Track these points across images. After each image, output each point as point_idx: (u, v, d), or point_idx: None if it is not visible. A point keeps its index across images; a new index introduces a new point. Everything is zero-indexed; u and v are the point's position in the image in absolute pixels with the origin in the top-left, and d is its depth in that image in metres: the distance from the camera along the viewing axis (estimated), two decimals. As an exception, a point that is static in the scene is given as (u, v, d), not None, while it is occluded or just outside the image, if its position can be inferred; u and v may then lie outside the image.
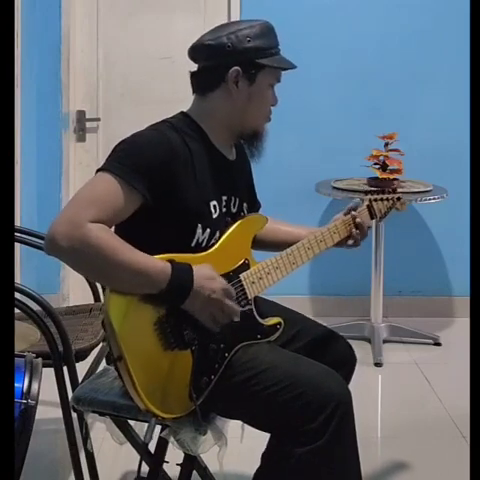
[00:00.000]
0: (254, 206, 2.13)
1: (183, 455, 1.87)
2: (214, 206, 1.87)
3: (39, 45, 3.96)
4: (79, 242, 1.62)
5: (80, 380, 2.26)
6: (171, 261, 1.71)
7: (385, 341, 3.78)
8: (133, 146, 1.77)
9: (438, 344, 3.83)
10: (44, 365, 1.78)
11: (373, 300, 3.83)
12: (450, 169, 4.10)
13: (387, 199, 2.17)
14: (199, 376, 1.77)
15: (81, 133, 4.15)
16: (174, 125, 1.85)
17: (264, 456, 1.82)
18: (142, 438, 1.95)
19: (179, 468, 1.90)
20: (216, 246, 1.86)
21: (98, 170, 1.76)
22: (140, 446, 2.03)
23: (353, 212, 2.08)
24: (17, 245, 3.07)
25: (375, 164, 3.66)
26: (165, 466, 1.99)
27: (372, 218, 2.14)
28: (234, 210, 1.96)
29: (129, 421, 2.01)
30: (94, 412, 1.93)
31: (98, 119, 4.16)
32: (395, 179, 3.61)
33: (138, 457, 1.93)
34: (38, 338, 2.15)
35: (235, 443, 2.00)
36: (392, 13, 4.09)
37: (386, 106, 4.12)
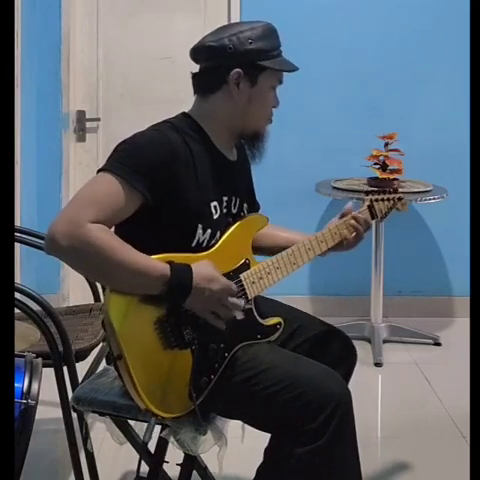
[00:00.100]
0: (253, 207, 2.12)
1: (183, 455, 1.87)
2: (215, 207, 1.87)
3: (39, 45, 3.96)
4: (79, 242, 1.63)
5: (80, 380, 2.26)
6: (170, 262, 1.72)
7: (385, 341, 3.78)
8: (134, 146, 1.77)
9: (438, 344, 3.83)
10: (44, 365, 1.78)
11: (373, 300, 3.83)
12: (450, 169, 4.10)
13: (388, 199, 2.17)
14: (199, 376, 1.77)
15: (81, 133, 4.15)
16: (175, 125, 1.85)
17: (266, 452, 1.81)
18: (142, 438, 1.96)
19: (179, 468, 1.90)
20: (216, 246, 1.86)
21: (99, 170, 1.76)
22: (140, 446, 2.03)
23: (354, 212, 2.07)
24: (17, 245, 3.07)
25: (375, 164, 3.66)
26: (165, 466, 1.99)
27: (373, 218, 2.14)
28: (235, 211, 1.96)
29: (129, 421, 2.01)
30: (94, 412, 1.93)
31: (98, 119, 4.16)
32: (395, 179, 3.61)
33: (138, 457, 1.93)
34: (38, 338, 2.16)
35: (235, 443, 2.00)
36: (392, 13, 4.09)
37: (386, 106, 4.12)
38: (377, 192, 2.20)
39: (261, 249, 2.05)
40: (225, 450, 1.86)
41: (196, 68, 1.94)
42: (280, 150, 3.94)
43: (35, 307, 2.24)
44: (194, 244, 1.82)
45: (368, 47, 4.11)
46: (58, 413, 2.26)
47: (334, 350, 2.03)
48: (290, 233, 2.10)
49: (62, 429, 2.26)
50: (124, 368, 1.70)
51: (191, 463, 1.90)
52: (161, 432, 1.84)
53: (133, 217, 1.75)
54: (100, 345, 2.51)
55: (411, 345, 3.81)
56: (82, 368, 2.36)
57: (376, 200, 2.14)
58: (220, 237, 1.87)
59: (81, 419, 2.10)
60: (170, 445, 1.87)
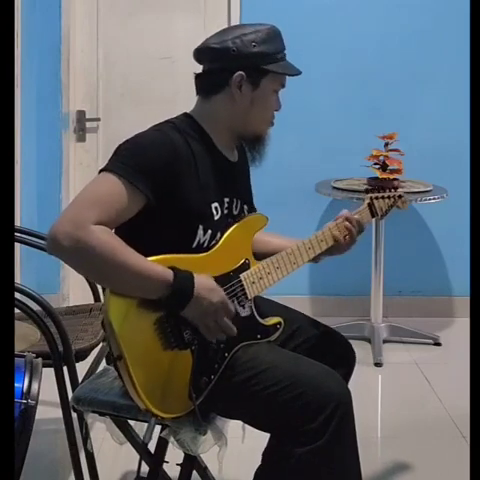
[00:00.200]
0: (251, 210, 2.11)
1: (183, 455, 1.87)
2: (216, 208, 1.87)
3: (39, 45, 3.96)
4: (81, 243, 1.62)
5: (80, 380, 2.26)
6: (173, 268, 1.71)
7: (385, 341, 3.78)
8: (136, 146, 1.77)
9: (438, 344, 3.83)
10: (44, 365, 1.78)
11: (373, 300, 3.83)
12: (450, 169, 4.10)
13: (388, 197, 2.17)
14: (199, 376, 1.77)
15: (81, 133, 4.15)
16: (177, 126, 1.85)
17: (265, 455, 1.82)
18: (142, 438, 1.96)
19: (179, 468, 1.90)
20: (217, 246, 1.86)
21: (101, 170, 1.76)
22: (140, 446, 2.03)
23: (348, 212, 2.06)
24: (17, 245, 3.07)
25: (375, 164, 3.66)
26: (165, 466, 1.99)
27: (373, 216, 2.14)
28: (235, 212, 1.96)
29: (129, 421, 2.01)
30: (94, 412, 1.93)
31: (98, 119, 4.16)
32: (395, 179, 3.61)
33: (138, 457, 1.93)
34: (38, 338, 2.15)
35: (235, 443, 2.00)
36: (392, 13, 4.09)
37: (386, 106, 4.12)
38: (377, 190, 2.19)
39: (253, 255, 2.03)
40: (225, 450, 1.86)
41: (196, 68, 1.94)
42: (280, 150, 3.93)
43: (35, 307, 2.24)
44: (195, 245, 1.82)
45: (368, 47, 4.11)
46: (58, 413, 2.26)
47: (334, 350, 2.04)
48: (283, 239, 2.07)
49: (62, 429, 2.26)
50: (124, 368, 1.70)
51: (191, 463, 1.90)
52: (161, 432, 1.84)
53: (134, 217, 1.74)
54: (100, 345, 2.51)
55: (411, 345, 3.81)
56: (82, 368, 2.36)
57: (376, 198, 2.14)
58: (220, 238, 1.87)
59: (81, 419, 2.10)
60: (170, 445, 1.87)
